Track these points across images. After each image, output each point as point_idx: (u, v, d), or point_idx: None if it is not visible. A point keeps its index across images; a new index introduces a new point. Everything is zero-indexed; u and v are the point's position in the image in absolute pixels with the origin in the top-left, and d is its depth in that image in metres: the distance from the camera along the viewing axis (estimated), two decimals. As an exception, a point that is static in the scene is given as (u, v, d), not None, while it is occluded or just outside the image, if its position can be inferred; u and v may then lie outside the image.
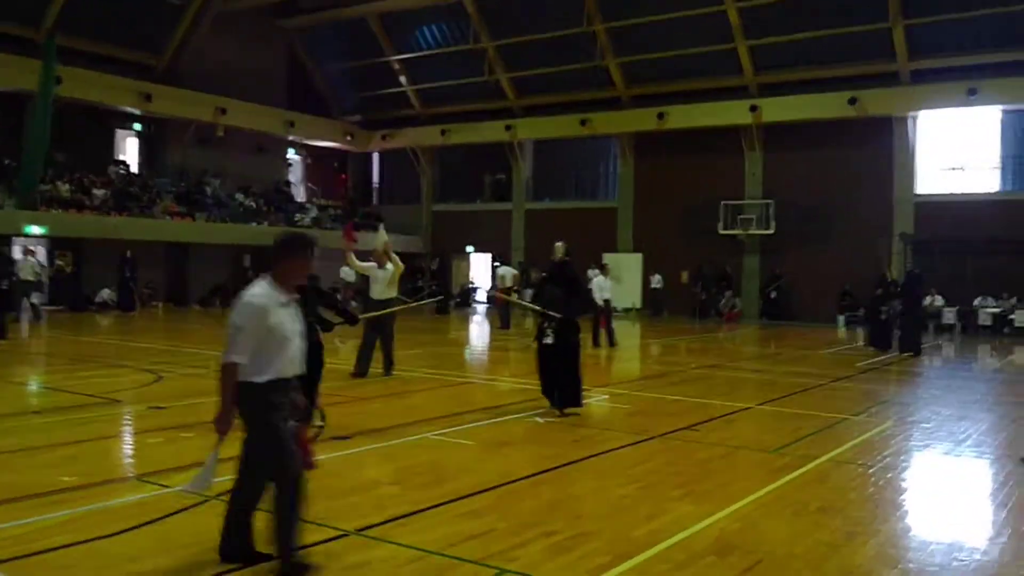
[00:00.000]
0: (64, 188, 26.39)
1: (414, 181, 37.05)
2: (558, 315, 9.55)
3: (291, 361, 4.50)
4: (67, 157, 28.02)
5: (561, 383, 9.53)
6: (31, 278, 21.49)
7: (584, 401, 9.74)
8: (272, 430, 4.42)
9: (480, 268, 35.72)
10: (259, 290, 4.43)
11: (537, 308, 9.90)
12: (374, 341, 12.25)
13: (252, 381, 4.37)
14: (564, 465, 7.11)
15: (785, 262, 27.97)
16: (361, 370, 12.05)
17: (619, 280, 22.75)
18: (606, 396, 11.26)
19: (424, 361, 14.77)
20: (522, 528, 5.29)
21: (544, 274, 10.23)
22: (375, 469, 6.87)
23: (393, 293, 12.50)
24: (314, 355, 6.58)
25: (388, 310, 12.14)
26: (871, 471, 7.17)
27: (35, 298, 21.82)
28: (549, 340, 9.57)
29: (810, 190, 27.78)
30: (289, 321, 4.49)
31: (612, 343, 17.76)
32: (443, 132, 34.51)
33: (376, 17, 32.97)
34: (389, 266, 12.32)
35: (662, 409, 10.16)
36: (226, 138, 31.74)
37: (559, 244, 10.12)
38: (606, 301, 17.84)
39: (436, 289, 30.29)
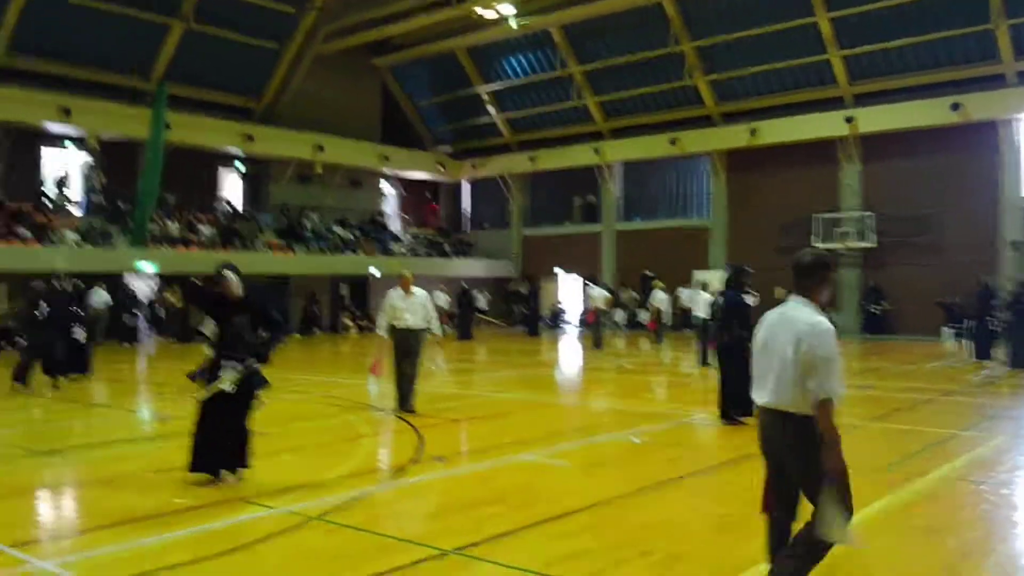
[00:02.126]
0: (173, 227, 27.68)
1: (504, 207, 37.45)
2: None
3: None
4: (176, 197, 29.45)
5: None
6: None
7: (686, 419, 9.58)
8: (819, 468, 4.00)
9: (570, 290, 35.67)
10: (819, 314, 4.10)
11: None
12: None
13: (808, 415, 4.03)
14: (661, 485, 7.03)
15: (887, 275, 26.98)
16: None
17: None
18: (703, 415, 11.07)
19: (517, 383, 14.83)
20: (619, 548, 5.26)
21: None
22: (472, 490, 6.93)
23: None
24: None
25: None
26: (983, 488, 6.84)
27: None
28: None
29: (911, 200, 26.80)
30: None
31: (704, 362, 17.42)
32: (532, 159, 34.80)
33: (464, 50, 33.60)
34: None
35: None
36: (324, 173, 32.79)
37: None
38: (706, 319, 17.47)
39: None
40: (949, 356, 20.32)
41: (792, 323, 4.08)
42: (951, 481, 7.13)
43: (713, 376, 16.20)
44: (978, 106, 25.26)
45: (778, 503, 4.27)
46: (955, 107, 25.29)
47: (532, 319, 30.69)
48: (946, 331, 25.00)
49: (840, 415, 10.85)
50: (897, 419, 10.59)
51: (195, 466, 7.03)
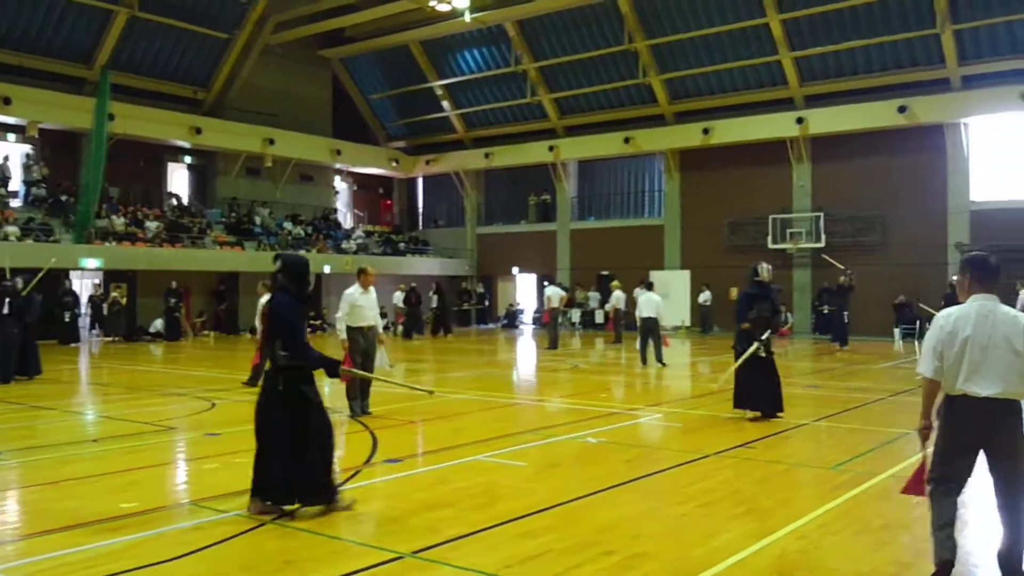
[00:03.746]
0: (119, 222, 27.05)
1: (459, 204, 37.32)
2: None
3: None
4: (120, 191, 28.79)
5: (775, 390, 10.41)
6: None
7: (642, 419, 9.63)
8: None
9: (526, 289, 35.78)
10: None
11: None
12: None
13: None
14: (618, 485, 7.01)
15: (837, 276, 27.38)
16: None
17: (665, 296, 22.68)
18: (659, 415, 11.11)
19: (472, 383, 14.76)
20: (579, 549, 5.22)
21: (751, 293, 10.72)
22: (428, 491, 6.84)
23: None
24: None
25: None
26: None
27: None
28: (762, 353, 10.28)
29: (861, 201, 27.33)
30: None
31: (660, 361, 17.55)
32: (487, 155, 34.73)
33: (417, 44, 33.38)
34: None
35: (716, 427, 10.00)
36: (274, 167, 32.33)
37: (766, 266, 10.86)
38: (651, 319, 17.58)
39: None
40: (899, 356, 20.75)
41: (1012, 319, 4.56)
42: (903, 479, 7.19)
43: (664, 375, 16.45)
44: (925, 109, 25.84)
45: (958, 484, 4.68)
46: (902, 110, 25.83)
47: (442, 319, 29.77)
48: (897, 332, 25.55)
49: (791, 415, 11.00)
50: (848, 419, 10.75)
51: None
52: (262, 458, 6.04)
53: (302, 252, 30.66)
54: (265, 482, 5.99)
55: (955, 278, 5.30)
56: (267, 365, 6.25)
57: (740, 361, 10.44)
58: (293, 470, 5.94)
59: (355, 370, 8.03)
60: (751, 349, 10.34)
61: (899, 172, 26.77)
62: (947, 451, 4.68)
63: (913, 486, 4.97)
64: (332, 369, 6.29)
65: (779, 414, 10.39)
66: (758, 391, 10.36)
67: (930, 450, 4.79)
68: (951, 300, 19.09)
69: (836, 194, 27.80)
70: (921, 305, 23.01)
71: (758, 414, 10.37)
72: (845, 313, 22.58)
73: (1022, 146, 25.71)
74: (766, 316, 10.39)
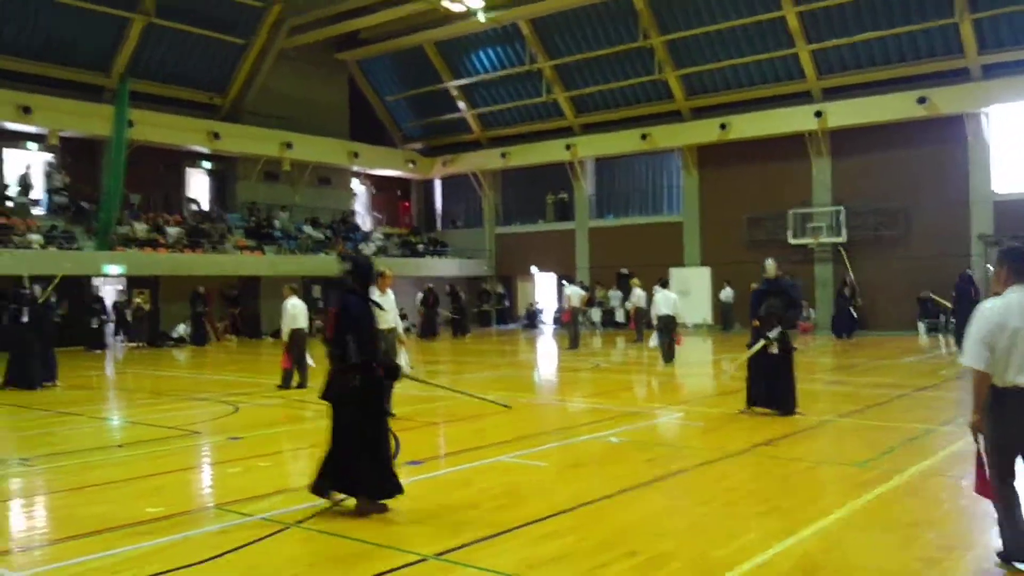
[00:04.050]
0: (140, 228, 27.28)
1: (476, 205, 37.35)
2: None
3: None
4: (141, 198, 29.04)
5: (783, 387, 10.21)
6: None
7: (663, 418, 9.57)
8: None
9: (545, 289, 35.74)
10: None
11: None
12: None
13: None
14: (641, 485, 6.99)
15: (858, 270, 27.21)
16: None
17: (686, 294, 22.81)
18: (680, 414, 11.07)
19: (493, 384, 14.76)
20: (602, 549, 5.21)
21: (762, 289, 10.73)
22: (451, 494, 6.85)
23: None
24: None
25: None
26: (963, 483, 6.87)
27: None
28: (774, 350, 10.17)
29: (881, 194, 27.07)
30: None
31: (669, 359, 17.53)
32: (503, 155, 34.72)
33: (432, 44, 33.42)
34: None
35: (737, 425, 9.94)
36: (292, 171, 32.50)
37: (771, 262, 10.70)
38: (668, 316, 17.60)
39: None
40: (923, 351, 20.54)
41: None
42: (929, 476, 7.16)
43: (686, 374, 16.38)
44: (944, 100, 25.56)
45: (1012, 478, 4.76)
46: (922, 101, 25.57)
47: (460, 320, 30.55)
48: (922, 326, 25.31)
49: (814, 412, 10.94)
50: (872, 415, 10.65)
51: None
52: (345, 456, 6.17)
53: (321, 255, 30.88)
54: (354, 479, 6.16)
55: (989, 268, 5.30)
56: (330, 365, 6.31)
57: (745, 357, 10.44)
58: (372, 464, 6.17)
59: (418, 377, 8.06)
60: (757, 346, 10.33)
61: (920, 164, 26.51)
62: (1005, 445, 4.68)
63: (981, 486, 4.91)
64: (393, 372, 6.45)
65: (798, 412, 10.28)
66: (770, 389, 10.31)
67: (983, 445, 4.76)
68: (962, 291, 19.40)
69: (856, 187, 27.56)
70: (933, 296, 22.87)
71: (770, 411, 10.30)
72: (851, 309, 23.96)
73: (1046, 135, 25.41)
74: (776, 312, 10.29)
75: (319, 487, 6.27)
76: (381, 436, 6.29)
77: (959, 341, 18.55)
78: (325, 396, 6.29)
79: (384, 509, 6.17)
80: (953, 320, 19.90)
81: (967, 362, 4.69)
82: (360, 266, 6.49)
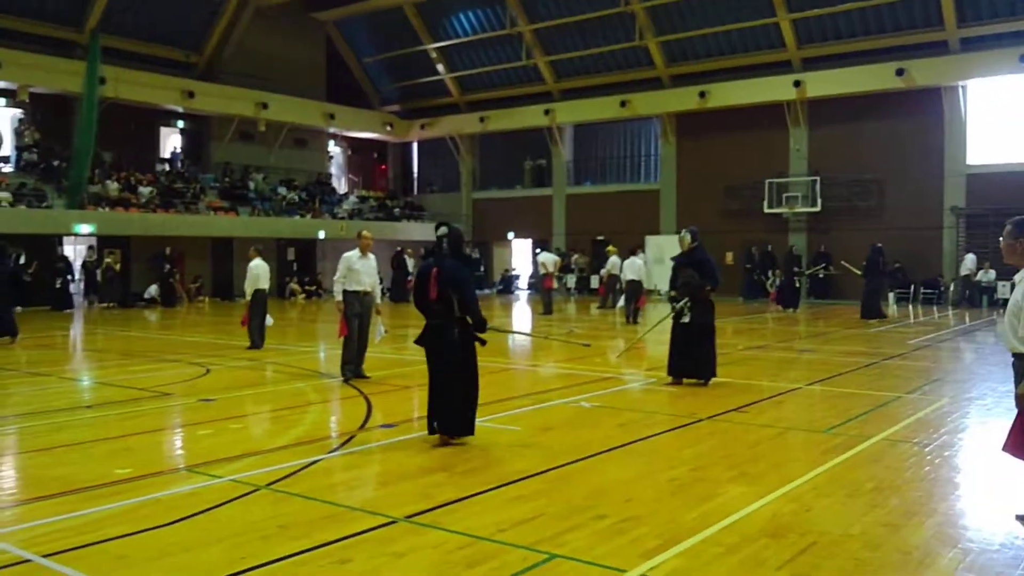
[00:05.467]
0: (112, 187, 26.87)
1: (454, 169, 37.12)
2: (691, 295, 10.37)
3: None
4: (113, 156, 28.56)
5: (696, 355, 10.32)
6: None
7: (635, 383, 9.66)
8: None
9: (521, 255, 35.73)
10: None
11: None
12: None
13: None
14: (612, 449, 7.05)
15: (832, 240, 27.40)
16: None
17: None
18: (653, 380, 11.15)
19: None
20: (571, 513, 5.25)
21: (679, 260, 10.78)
22: (422, 456, 6.87)
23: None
24: None
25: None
26: (927, 450, 7.00)
27: None
28: (686, 319, 10.31)
29: (857, 165, 27.22)
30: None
31: (635, 320, 18.98)
32: (482, 119, 34.47)
33: (411, 5, 32.97)
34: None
35: (709, 391, 10.03)
36: (267, 132, 32.09)
37: (685, 234, 10.71)
38: (635, 281, 19.23)
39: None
40: (893, 321, 20.80)
41: None
42: (894, 443, 7.28)
43: (656, 339, 16.45)
44: (922, 72, 25.64)
45: None
46: (900, 72, 25.64)
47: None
48: (891, 296, 25.55)
49: (784, 379, 11.02)
50: (841, 383, 10.79)
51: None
52: (450, 396, 7.10)
53: (296, 218, 30.64)
54: (451, 418, 7.11)
55: (1002, 240, 5.40)
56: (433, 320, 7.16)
57: (650, 329, 10.68)
58: (468, 405, 7.19)
59: (504, 328, 8.91)
60: (663, 317, 10.53)
61: (896, 136, 26.64)
62: None
63: (1014, 447, 5.12)
64: (481, 326, 7.17)
65: (713, 379, 10.32)
66: (686, 358, 10.34)
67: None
68: (872, 262, 20.87)
69: (833, 158, 27.67)
70: (843, 263, 23.10)
71: (696, 381, 10.33)
72: (795, 278, 24.11)
73: (1020, 109, 25.56)
74: (691, 283, 10.34)
75: (431, 426, 7.19)
76: (474, 379, 7.27)
77: (865, 305, 20.41)
78: (423, 343, 7.19)
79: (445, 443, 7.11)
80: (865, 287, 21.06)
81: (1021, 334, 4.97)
82: (455, 234, 7.33)
